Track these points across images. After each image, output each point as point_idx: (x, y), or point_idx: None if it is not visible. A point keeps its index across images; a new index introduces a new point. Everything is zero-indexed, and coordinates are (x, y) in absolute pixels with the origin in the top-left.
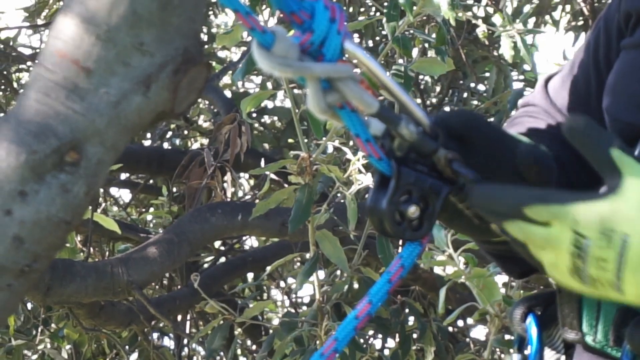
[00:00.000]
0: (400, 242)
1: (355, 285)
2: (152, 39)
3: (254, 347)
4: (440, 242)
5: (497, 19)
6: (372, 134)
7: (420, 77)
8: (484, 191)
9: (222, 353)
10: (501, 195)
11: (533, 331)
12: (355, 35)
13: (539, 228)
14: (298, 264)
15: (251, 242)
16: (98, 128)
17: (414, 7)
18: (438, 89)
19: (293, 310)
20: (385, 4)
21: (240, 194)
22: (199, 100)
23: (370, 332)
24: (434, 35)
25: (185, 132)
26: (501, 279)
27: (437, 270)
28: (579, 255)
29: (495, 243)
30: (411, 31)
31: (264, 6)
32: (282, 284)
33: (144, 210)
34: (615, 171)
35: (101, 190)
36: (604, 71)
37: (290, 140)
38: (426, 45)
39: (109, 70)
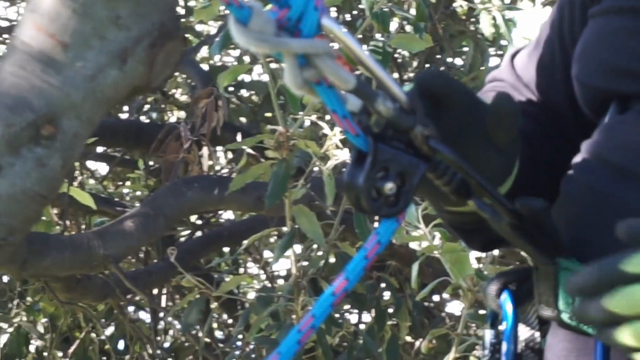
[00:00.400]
0: (377, 217)
1: (332, 260)
2: (129, 12)
3: (230, 321)
4: (411, 217)
5: None
6: (349, 110)
7: (398, 52)
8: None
9: (198, 327)
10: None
11: (508, 307)
12: (333, 9)
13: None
14: (274, 237)
15: (227, 215)
16: (74, 102)
17: None
18: (415, 63)
19: (269, 285)
20: None
21: (217, 167)
22: (176, 73)
23: (346, 307)
24: (412, 11)
25: (162, 105)
26: (474, 253)
27: (413, 245)
28: None
29: (459, 214)
30: (389, 6)
31: None
32: (258, 257)
33: (120, 183)
34: None
35: (77, 163)
36: (568, 45)
37: (267, 114)
38: (404, 21)
39: (85, 44)
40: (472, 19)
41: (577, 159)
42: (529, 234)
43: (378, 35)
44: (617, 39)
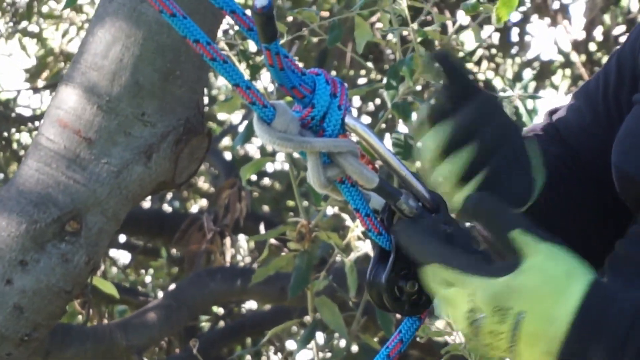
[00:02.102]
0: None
1: (354, 348)
2: (154, 109)
3: None
4: (439, 310)
5: (497, 83)
6: (371, 208)
7: None
8: (406, 235)
9: None
10: (416, 243)
11: None
12: (357, 98)
13: (442, 284)
14: (295, 327)
15: (250, 304)
16: (99, 198)
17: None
18: None
19: None
20: (386, 67)
21: (238, 257)
22: None
23: None
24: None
25: (185, 194)
26: None
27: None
28: (473, 324)
29: None
30: (410, 98)
31: (263, 70)
32: (280, 347)
33: (142, 271)
34: (518, 251)
35: None
36: (612, 108)
37: (289, 203)
38: None
39: (111, 141)
40: None
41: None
42: None
43: (400, 127)
44: None
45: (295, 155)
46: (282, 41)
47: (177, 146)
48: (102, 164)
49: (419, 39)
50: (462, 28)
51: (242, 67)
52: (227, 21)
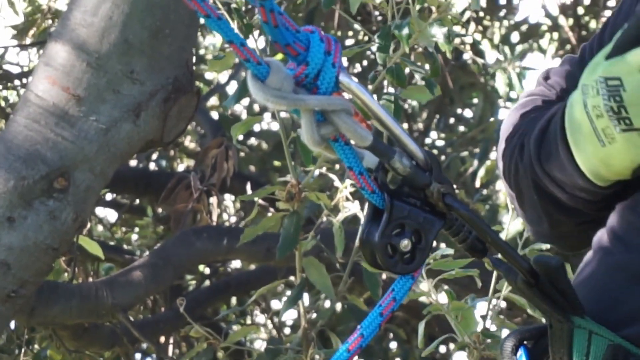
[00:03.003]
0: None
1: (338, 307)
2: (143, 67)
3: None
4: None
5: (485, 45)
6: (365, 166)
7: (407, 102)
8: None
9: None
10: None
11: None
12: (344, 59)
13: None
14: (281, 286)
15: (235, 264)
16: (87, 155)
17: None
18: (424, 114)
19: (276, 334)
20: (374, 28)
21: (225, 216)
22: None
23: (354, 359)
24: (425, 66)
25: (171, 153)
26: (480, 310)
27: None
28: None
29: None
30: (398, 60)
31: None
32: (265, 307)
33: (128, 230)
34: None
35: None
36: None
37: (276, 163)
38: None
39: (99, 98)
40: (483, 72)
41: (615, 221)
42: (544, 291)
43: (387, 86)
44: None
45: (284, 114)
46: None
47: (166, 104)
48: (90, 122)
49: (417, 7)
50: None
51: (235, 26)
52: None
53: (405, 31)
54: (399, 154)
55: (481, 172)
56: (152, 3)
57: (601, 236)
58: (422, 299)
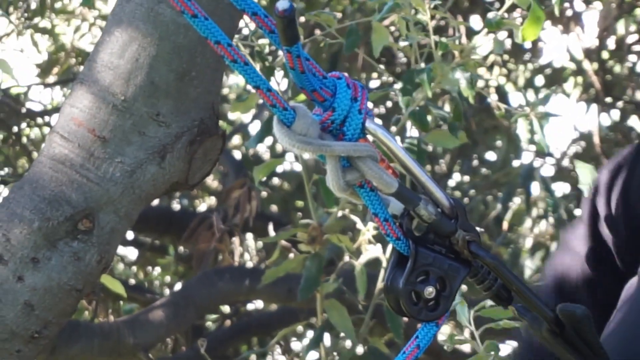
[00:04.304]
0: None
1: (359, 349)
2: (169, 109)
3: None
4: (462, 317)
5: (509, 88)
6: (390, 212)
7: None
8: None
9: None
10: None
11: None
12: (368, 103)
13: None
14: (302, 327)
15: (257, 304)
16: (112, 197)
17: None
18: (448, 157)
19: None
20: (398, 70)
21: (247, 257)
22: None
23: None
24: (447, 108)
25: (194, 192)
26: None
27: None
28: None
29: None
30: (423, 104)
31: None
32: (285, 346)
33: (150, 268)
34: None
35: None
36: None
37: (298, 203)
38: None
39: (125, 140)
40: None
41: None
42: (569, 341)
43: (414, 133)
44: None
45: (307, 156)
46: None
47: (191, 147)
48: (115, 163)
49: (440, 52)
50: (473, 31)
51: (258, 68)
52: (242, 21)
53: (428, 76)
54: (425, 201)
55: (508, 216)
56: (179, 46)
57: (632, 282)
58: (464, 347)
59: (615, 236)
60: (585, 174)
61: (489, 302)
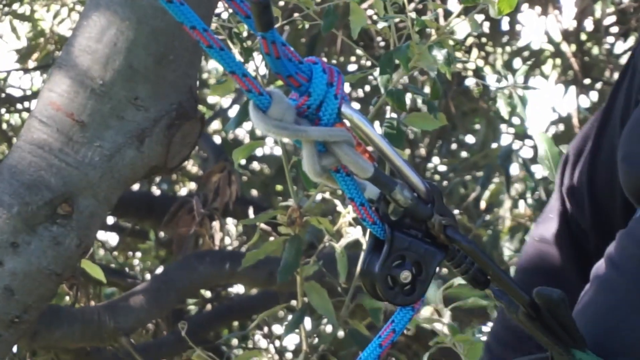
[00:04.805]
0: None
1: (342, 333)
2: (147, 93)
3: None
4: (431, 297)
5: (487, 71)
6: (366, 197)
7: (410, 128)
8: None
9: None
10: None
11: None
12: (346, 84)
13: None
14: (284, 311)
15: (237, 288)
16: (91, 181)
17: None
18: (427, 140)
19: (278, 359)
20: (377, 53)
21: (227, 241)
22: None
23: None
24: (426, 89)
25: (174, 177)
26: None
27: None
28: None
29: None
30: (402, 85)
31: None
32: (267, 332)
33: (131, 253)
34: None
35: None
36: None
37: (279, 187)
38: (417, 97)
39: (103, 124)
40: (485, 97)
41: (612, 247)
42: (545, 324)
43: (392, 114)
44: None
45: (289, 140)
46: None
47: (170, 131)
48: (94, 148)
49: (416, 29)
50: (451, 14)
51: (236, 50)
52: (220, 3)
53: (404, 54)
54: (401, 186)
55: (485, 196)
56: (157, 30)
57: (599, 264)
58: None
59: (580, 214)
60: (544, 147)
61: (457, 281)
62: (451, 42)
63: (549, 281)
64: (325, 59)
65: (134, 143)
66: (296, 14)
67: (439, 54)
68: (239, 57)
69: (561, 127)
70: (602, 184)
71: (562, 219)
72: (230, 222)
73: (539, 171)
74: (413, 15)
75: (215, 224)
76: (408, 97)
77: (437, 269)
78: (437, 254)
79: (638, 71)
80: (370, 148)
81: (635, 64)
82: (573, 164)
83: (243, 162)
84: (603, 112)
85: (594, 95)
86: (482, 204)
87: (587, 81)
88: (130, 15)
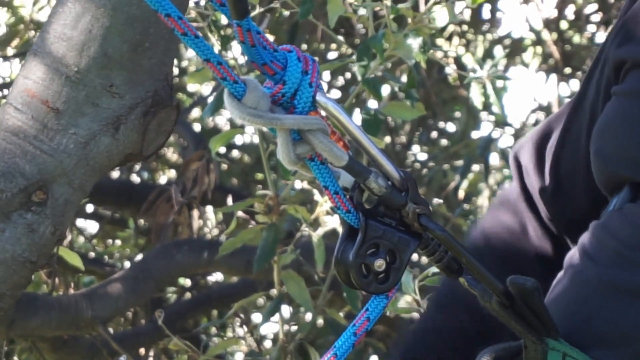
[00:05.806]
0: None
1: (320, 322)
2: (123, 80)
3: None
4: (407, 288)
5: (467, 59)
6: (341, 186)
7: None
8: None
9: None
10: None
11: None
12: (327, 72)
13: None
14: (262, 300)
15: (216, 276)
16: (66, 168)
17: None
18: (407, 128)
19: (256, 347)
20: (357, 41)
21: (206, 229)
22: None
23: None
24: (404, 78)
25: (154, 165)
26: None
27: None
28: None
29: None
30: (381, 73)
31: (234, 42)
32: (245, 320)
33: (110, 241)
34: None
35: None
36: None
37: (258, 176)
38: (396, 88)
39: (78, 111)
40: (465, 85)
41: (586, 238)
42: (519, 313)
43: (370, 102)
44: (637, 127)
45: (265, 129)
46: (253, 13)
47: (145, 118)
48: (69, 135)
49: (392, 16)
50: (433, 4)
51: (214, 38)
52: None
53: (379, 42)
54: (375, 174)
55: (463, 185)
56: (133, 17)
57: (572, 254)
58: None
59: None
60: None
61: (432, 270)
62: (431, 31)
63: (506, 247)
64: (305, 47)
65: (109, 130)
66: (275, 2)
67: (414, 43)
68: (216, 45)
69: (541, 115)
70: (566, 164)
71: (521, 183)
72: (209, 211)
73: None
74: (389, 3)
75: (194, 213)
76: (388, 87)
77: (416, 257)
78: (411, 242)
79: (608, 64)
80: (346, 137)
81: (607, 56)
82: (539, 144)
83: (223, 150)
84: (576, 97)
85: (575, 84)
86: (461, 193)
87: (567, 70)
88: (105, 2)
